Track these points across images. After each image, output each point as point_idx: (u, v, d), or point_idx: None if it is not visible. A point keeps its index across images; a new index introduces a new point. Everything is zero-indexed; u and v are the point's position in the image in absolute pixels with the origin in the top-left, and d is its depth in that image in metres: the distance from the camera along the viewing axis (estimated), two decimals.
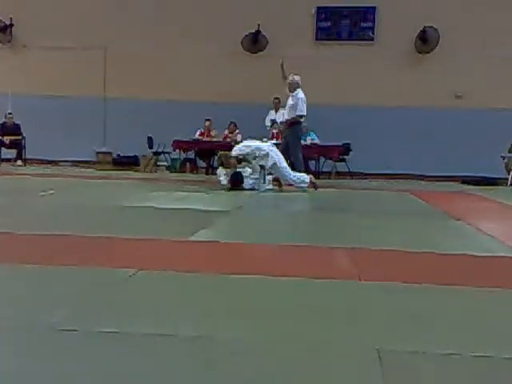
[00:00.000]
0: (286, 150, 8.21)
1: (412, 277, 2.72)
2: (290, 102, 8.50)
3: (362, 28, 12.53)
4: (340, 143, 11.22)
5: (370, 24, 12.49)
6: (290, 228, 4.69)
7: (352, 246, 3.43)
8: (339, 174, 11.54)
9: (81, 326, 1.83)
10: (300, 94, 8.47)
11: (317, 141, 11.40)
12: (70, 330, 1.79)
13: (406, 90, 12.07)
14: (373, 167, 11.78)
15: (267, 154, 7.37)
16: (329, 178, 11.20)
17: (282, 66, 8.69)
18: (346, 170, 11.48)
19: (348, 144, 11.38)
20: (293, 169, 7.82)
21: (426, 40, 12.15)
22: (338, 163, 11.53)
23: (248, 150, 7.43)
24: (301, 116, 8.48)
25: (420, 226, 4.74)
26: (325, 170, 11.71)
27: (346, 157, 11.40)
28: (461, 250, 3.49)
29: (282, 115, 9.87)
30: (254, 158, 7.37)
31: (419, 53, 12.30)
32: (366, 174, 11.73)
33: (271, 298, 2.30)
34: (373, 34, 12.46)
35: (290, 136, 8.54)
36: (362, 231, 4.35)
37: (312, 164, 11.92)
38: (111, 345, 1.71)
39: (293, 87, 8.52)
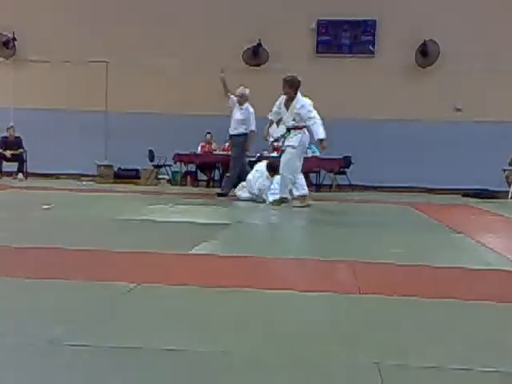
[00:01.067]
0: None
1: (413, 290, 2.72)
2: (239, 115, 8.40)
3: (363, 41, 12.62)
4: (341, 156, 11.24)
5: (370, 37, 12.58)
6: (289, 241, 4.69)
7: (352, 258, 3.43)
8: (340, 187, 11.56)
9: (81, 341, 1.83)
10: (250, 107, 8.43)
11: (317, 153, 11.42)
12: (70, 345, 1.79)
13: (406, 103, 12.12)
14: (373, 180, 11.81)
15: None
16: (329, 191, 11.21)
17: (223, 80, 8.53)
18: (347, 183, 11.50)
19: (349, 157, 11.41)
20: (226, 177, 8.22)
21: (426, 53, 12.23)
22: (338, 176, 11.55)
23: None
24: (252, 131, 8.37)
25: (420, 239, 4.73)
26: (325, 182, 11.73)
27: (346, 169, 11.43)
28: (461, 263, 3.48)
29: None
30: None
31: (420, 66, 12.37)
32: (367, 187, 11.75)
33: (270, 312, 2.30)
34: (373, 47, 12.55)
35: (235, 149, 8.55)
36: (363, 244, 4.34)
37: (313, 177, 11.95)
38: (112, 359, 1.71)
39: (243, 100, 8.43)
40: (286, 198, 7.08)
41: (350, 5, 12.25)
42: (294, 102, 6.87)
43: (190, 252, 3.55)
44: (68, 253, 3.45)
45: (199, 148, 11.79)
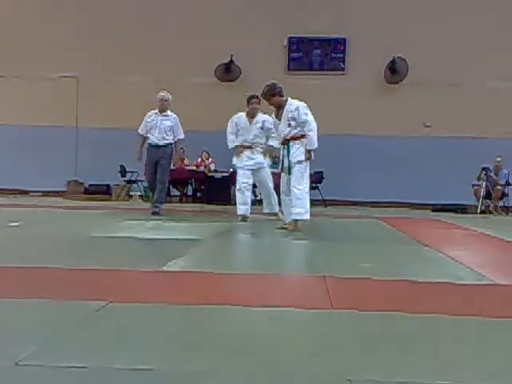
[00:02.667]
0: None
1: (383, 304, 2.73)
2: (169, 123, 7.67)
3: (333, 58, 12.81)
4: (312, 171, 11.32)
5: (340, 55, 12.78)
6: (261, 256, 4.68)
7: (324, 273, 3.44)
8: (312, 202, 11.61)
9: (48, 361, 1.79)
10: (173, 114, 7.82)
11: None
12: (36, 366, 1.75)
13: (377, 119, 12.32)
14: (346, 195, 11.92)
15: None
16: None
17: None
18: (320, 198, 11.57)
19: (321, 172, 11.50)
20: (159, 190, 7.52)
21: (395, 70, 12.47)
22: (310, 191, 11.61)
23: None
24: (182, 140, 7.93)
25: (390, 253, 4.78)
26: None
27: (318, 185, 11.51)
28: (431, 277, 3.53)
29: None
30: None
31: (389, 83, 12.60)
32: (339, 202, 11.85)
33: (242, 328, 2.29)
34: (343, 64, 12.74)
35: (166, 158, 7.71)
36: (334, 258, 4.36)
37: None
38: (82, 380, 1.67)
39: (167, 105, 7.78)
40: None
41: (320, 23, 12.44)
42: (286, 106, 6.08)
43: (161, 269, 3.52)
44: (37, 271, 3.38)
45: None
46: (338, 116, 12.23)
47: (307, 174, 6.23)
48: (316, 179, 11.40)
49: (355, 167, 12.16)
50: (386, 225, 7.45)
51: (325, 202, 11.52)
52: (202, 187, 11.93)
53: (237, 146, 7.39)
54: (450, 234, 7.04)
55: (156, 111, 7.77)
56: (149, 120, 7.74)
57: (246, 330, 2.27)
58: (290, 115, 6.04)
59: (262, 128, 7.29)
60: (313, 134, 6.05)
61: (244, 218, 7.18)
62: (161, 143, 7.62)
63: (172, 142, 7.74)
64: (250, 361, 1.87)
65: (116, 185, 11.73)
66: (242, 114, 7.42)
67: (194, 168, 11.91)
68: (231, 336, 2.17)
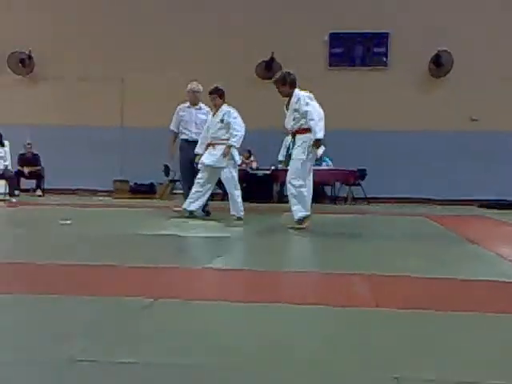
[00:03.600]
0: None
1: (429, 303, 2.70)
2: (203, 116, 7.23)
3: (376, 53, 12.64)
4: (355, 168, 11.22)
5: (383, 49, 12.60)
6: (305, 255, 4.68)
7: (369, 271, 3.41)
8: (355, 200, 11.51)
9: (99, 357, 1.84)
10: (206, 107, 7.33)
11: (331, 165, 11.43)
12: (88, 361, 1.81)
13: (420, 114, 12.08)
14: (389, 192, 11.74)
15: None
16: (344, 203, 11.18)
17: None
18: (363, 196, 11.45)
19: (363, 169, 11.38)
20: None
21: (440, 64, 12.20)
22: (353, 188, 11.51)
23: None
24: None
25: (436, 251, 4.70)
26: (341, 194, 11.70)
27: (361, 182, 11.40)
28: (479, 276, 3.45)
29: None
30: None
31: (433, 77, 12.34)
32: (383, 199, 11.69)
33: (287, 326, 2.30)
34: (386, 59, 12.55)
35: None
36: (379, 256, 4.32)
37: (327, 189, 11.93)
38: (130, 375, 1.72)
39: (199, 98, 7.31)
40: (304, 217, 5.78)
41: (362, 18, 12.29)
42: (292, 98, 5.88)
43: (205, 266, 3.56)
44: (86, 269, 3.49)
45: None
46: (381, 111, 12.07)
47: (306, 170, 5.79)
48: (359, 176, 11.31)
49: (399, 163, 11.96)
50: (431, 222, 7.32)
51: (368, 200, 11.40)
52: (244, 185, 11.98)
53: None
54: (498, 230, 6.86)
55: (187, 104, 7.27)
56: (181, 114, 7.25)
57: (288, 328, 2.28)
58: (293, 107, 5.83)
59: (221, 121, 6.73)
60: (313, 124, 5.64)
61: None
62: (197, 138, 6.99)
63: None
64: (292, 359, 1.88)
65: (160, 183, 11.91)
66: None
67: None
68: (273, 334, 2.18)
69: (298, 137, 5.82)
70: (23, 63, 13.18)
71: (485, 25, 12.02)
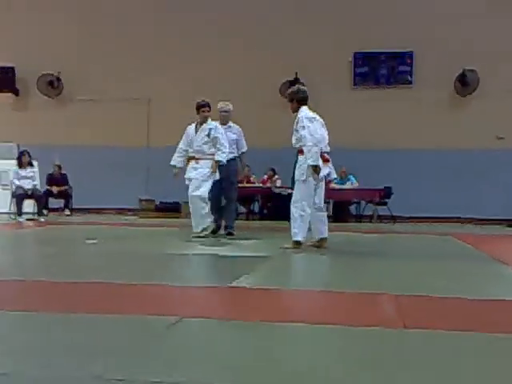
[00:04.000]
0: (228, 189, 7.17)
1: (459, 323, 2.64)
2: (233, 135, 7.19)
3: (400, 72, 12.64)
4: (381, 187, 11.15)
5: (407, 68, 12.59)
6: (330, 273, 4.64)
7: (396, 292, 3.37)
8: (381, 218, 11.41)
9: (126, 375, 1.85)
10: (236, 125, 7.35)
11: (356, 184, 11.38)
12: (115, 380, 1.81)
13: (446, 132, 11.99)
14: (415, 211, 11.62)
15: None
16: (370, 222, 11.09)
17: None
18: (388, 214, 11.35)
19: (389, 187, 11.30)
20: (230, 211, 7.16)
21: (465, 83, 12.13)
22: (379, 207, 11.42)
23: None
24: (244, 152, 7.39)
25: (464, 270, 4.61)
26: (366, 213, 11.61)
27: (387, 200, 11.31)
28: (507, 296, 3.38)
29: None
30: None
31: (459, 95, 12.26)
32: (409, 218, 11.57)
33: (313, 347, 2.27)
34: (411, 77, 12.53)
35: (234, 174, 7.28)
36: (405, 276, 4.26)
37: (352, 208, 11.87)
38: None
39: (230, 118, 7.30)
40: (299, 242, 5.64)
41: (386, 37, 12.32)
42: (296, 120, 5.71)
43: (230, 285, 3.56)
44: (112, 287, 3.51)
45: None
46: (406, 130, 12.02)
47: (307, 192, 5.62)
48: (384, 194, 11.22)
49: (425, 182, 11.85)
50: (458, 241, 7.20)
51: (394, 218, 11.29)
52: (269, 204, 11.99)
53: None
54: None
55: (217, 124, 7.09)
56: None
57: (313, 349, 2.25)
58: (294, 126, 5.70)
59: (208, 136, 6.75)
60: (306, 151, 5.49)
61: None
62: (228, 157, 6.92)
63: (237, 155, 7.25)
64: (317, 381, 1.86)
65: (185, 202, 11.98)
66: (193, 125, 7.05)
67: (260, 185, 12.01)
68: (297, 354, 2.16)
69: (299, 157, 5.69)
70: (52, 85, 13.51)
71: (511, 43, 11.92)
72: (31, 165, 10.29)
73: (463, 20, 12.17)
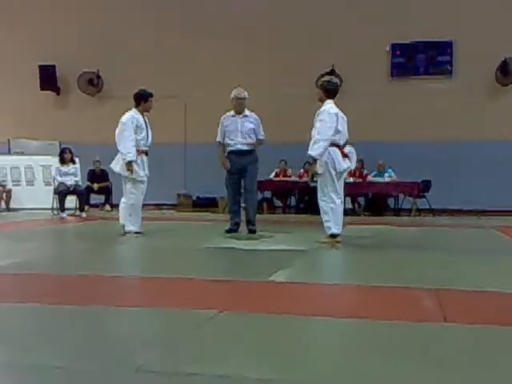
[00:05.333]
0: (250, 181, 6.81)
1: (502, 318, 2.59)
2: (251, 125, 6.75)
3: (439, 62, 12.37)
4: (419, 180, 10.96)
5: (447, 58, 12.31)
6: (367, 268, 4.60)
7: (436, 285, 3.32)
8: (420, 212, 11.23)
9: (166, 368, 1.89)
10: (253, 114, 6.89)
11: (394, 177, 11.22)
12: (155, 372, 1.85)
13: (487, 122, 11.69)
14: (455, 203, 11.37)
15: None
16: (409, 216, 10.93)
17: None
18: (427, 207, 11.15)
19: (428, 180, 11.10)
20: (252, 206, 6.73)
21: (507, 72, 11.79)
22: (418, 200, 11.23)
23: None
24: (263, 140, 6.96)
25: (507, 264, 4.50)
26: (404, 207, 11.44)
27: (426, 193, 11.11)
28: None
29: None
30: None
31: (500, 84, 11.93)
32: (449, 211, 11.34)
33: (352, 341, 2.27)
34: (451, 67, 12.26)
35: (254, 164, 6.84)
36: (445, 270, 4.19)
37: (391, 201, 11.71)
38: None
39: (245, 106, 6.80)
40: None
41: (424, 27, 12.06)
42: (318, 112, 5.67)
43: (268, 279, 3.58)
44: (152, 280, 3.58)
45: (272, 175, 11.90)
46: (446, 121, 11.77)
47: (331, 184, 5.55)
48: (423, 187, 11.03)
49: (466, 173, 11.58)
50: (501, 234, 7.03)
51: (433, 211, 11.09)
52: (305, 198, 11.95)
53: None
54: None
55: (232, 113, 6.78)
56: (226, 124, 6.77)
57: (352, 343, 2.25)
58: (315, 118, 5.66)
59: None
60: (312, 141, 5.49)
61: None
62: (245, 148, 6.67)
63: (256, 146, 6.83)
64: (358, 374, 1.86)
65: (221, 197, 12.07)
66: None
67: (297, 179, 11.98)
68: (336, 348, 2.16)
69: None
70: (92, 83, 13.78)
71: None
72: (73, 161, 10.52)
73: (504, 7, 11.82)
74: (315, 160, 5.51)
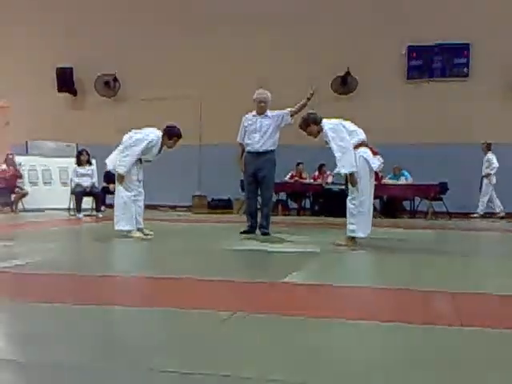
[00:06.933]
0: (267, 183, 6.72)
1: None
2: (269, 121, 6.70)
3: (456, 65, 12.29)
4: (436, 182, 10.89)
5: (463, 60, 12.23)
6: (383, 270, 4.58)
7: (452, 289, 3.29)
8: (436, 214, 11.14)
9: (179, 368, 1.89)
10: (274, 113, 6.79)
11: (410, 180, 11.16)
12: (168, 372, 1.86)
13: (504, 125, 11.58)
14: (473, 207, 11.28)
15: None
16: (425, 218, 10.85)
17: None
18: (444, 210, 11.07)
19: (445, 183, 11.02)
20: (266, 214, 6.62)
21: None
22: (434, 203, 11.15)
23: None
24: None
25: None
26: (421, 209, 11.37)
27: (442, 196, 11.03)
28: None
29: None
30: None
31: None
32: (466, 214, 11.25)
33: (365, 344, 2.26)
34: (467, 70, 12.17)
35: (270, 168, 6.71)
36: (460, 274, 4.16)
37: (407, 204, 11.65)
38: None
39: (266, 107, 6.74)
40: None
41: (441, 29, 12.00)
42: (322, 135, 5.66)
43: (282, 280, 3.58)
44: (166, 281, 3.60)
45: (287, 177, 11.90)
46: (462, 124, 11.68)
47: (364, 189, 5.51)
48: (440, 190, 10.95)
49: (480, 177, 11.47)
50: None
51: (450, 214, 11.00)
52: (320, 200, 11.93)
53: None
54: None
55: (254, 113, 6.75)
56: (246, 124, 6.72)
57: (365, 346, 2.24)
58: (324, 139, 5.63)
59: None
60: (337, 161, 5.45)
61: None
62: (262, 149, 6.59)
63: (274, 148, 6.70)
64: (367, 381, 1.85)
65: (236, 199, 12.09)
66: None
67: (311, 181, 11.97)
68: (347, 352, 2.16)
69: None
70: (109, 85, 13.91)
71: None
72: (90, 163, 10.62)
73: None
74: (351, 174, 5.46)
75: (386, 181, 11.17)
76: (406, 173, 11.21)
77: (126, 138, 6.39)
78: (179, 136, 6.55)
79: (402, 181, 11.16)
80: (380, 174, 11.21)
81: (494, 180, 11.06)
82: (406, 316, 2.69)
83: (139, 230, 6.29)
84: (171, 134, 6.51)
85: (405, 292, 3.35)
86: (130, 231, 6.18)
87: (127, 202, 6.29)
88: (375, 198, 11.62)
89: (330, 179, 11.77)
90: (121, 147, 6.36)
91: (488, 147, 11.15)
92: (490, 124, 11.60)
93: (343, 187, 11.16)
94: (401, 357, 2.07)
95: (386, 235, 7.02)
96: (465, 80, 12.16)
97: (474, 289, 3.40)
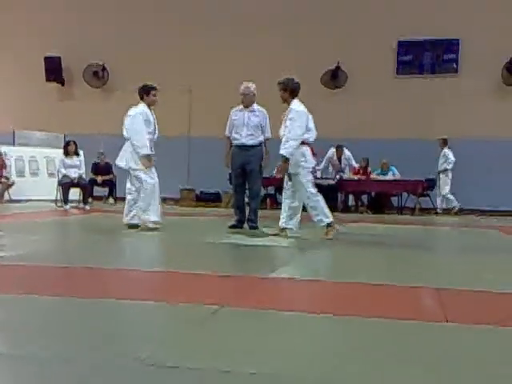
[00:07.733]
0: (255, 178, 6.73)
1: (505, 319, 2.59)
2: (257, 119, 6.67)
3: (446, 60, 12.33)
4: (423, 178, 10.95)
5: (453, 56, 12.28)
6: (368, 266, 4.60)
7: (435, 285, 3.32)
8: (423, 210, 11.22)
9: (167, 362, 1.89)
10: (261, 108, 6.77)
11: (398, 176, 11.21)
12: (157, 365, 1.86)
13: (493, 121, 11.66)
14: (461, 203, 11.35)
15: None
16: (412, 214, 10.92)
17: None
18: (431, 206, 11.14)
19: (432, 179, 11.08)
20: (254, 209, 6.65)
21: None
22: (422, 199, 11.22)
23: None
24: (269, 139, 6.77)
25: (507, 264, 4.50)
26: (408, 205, 11.43)
27: (430, 192, 11.10)
28: None
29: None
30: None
31: (506, 84, 11.89)
32: (456, 210, 11.32)
33: (349, 339, 2.27)
34: (457, 66, 12.22)
35: (256, 162, 6.69)
36: (446, 269, 4.19)
37: (394, 200, 11.70)
38: (196, 381, 1.76)
39: (253, 99, 6.72)
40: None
41: (431, 25, 12.02)
42: (287, 111, 5.62)
43: (270, 275, 3.58)
44: (154, 274, 3.58)
45: (275, 171, 11.88)
46: (451, 119, 11.74)
47: (309, 183, 5.77)
48: (427, 186, 11.02)
49: (470, 173, 11.55)
50: (503, 234, 7.01)
51: (436, 211, 11.07)
52: None
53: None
54: None
55: (241, 107, 6.68)
56: (234, 118, 6.66)
57: (348, 342, 2.25)
58: (286, 116, 5.63)
59: None
60: (284, 139, 5.51)
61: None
62: (249, 143, 6.54)
63: (262, 141, 6.62)
64: (350, 375, 1.86)
65: (225, 192, 12.07)
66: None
67: None
68: (334, 347, 2.16)
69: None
70: (97, 75, 13.78)
71: None
72: (77, 154, 10.52)
73: (511, 6, 11.76)
74: (287, 159, 5.54)
75: (374, 176, 11.21)
76: (394, 168, 11.26)
77: (126, 126, 6.42)
78: (153, 87, 6.59)
79: (390, 176, 11.21)
80: (369, 169, 11.28)
81: (450, 175, 11.10)
82: (387, 311, 2.70)
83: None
84: (146, 91, 6.56)
85: (389, 287, 3.37)
86: (156, 222, 6.10)
87: (155, 190, 6.32)
88: (363, 193, 11.73)
89: (318, 174, 11.78)
90: (128, 136, 6.38)
91: (445, 142, 11.21)
92: (479, 120, 11.68)
93: (332, 182, 11.21)
94: (378, 351, 2.08)
95: (372, 230, 7.05)
96: (454, 76, 12.22)
97: (457, 284, 3.42)
